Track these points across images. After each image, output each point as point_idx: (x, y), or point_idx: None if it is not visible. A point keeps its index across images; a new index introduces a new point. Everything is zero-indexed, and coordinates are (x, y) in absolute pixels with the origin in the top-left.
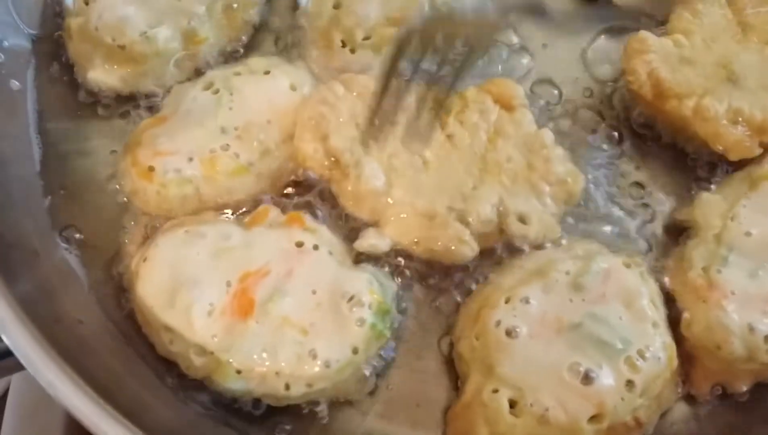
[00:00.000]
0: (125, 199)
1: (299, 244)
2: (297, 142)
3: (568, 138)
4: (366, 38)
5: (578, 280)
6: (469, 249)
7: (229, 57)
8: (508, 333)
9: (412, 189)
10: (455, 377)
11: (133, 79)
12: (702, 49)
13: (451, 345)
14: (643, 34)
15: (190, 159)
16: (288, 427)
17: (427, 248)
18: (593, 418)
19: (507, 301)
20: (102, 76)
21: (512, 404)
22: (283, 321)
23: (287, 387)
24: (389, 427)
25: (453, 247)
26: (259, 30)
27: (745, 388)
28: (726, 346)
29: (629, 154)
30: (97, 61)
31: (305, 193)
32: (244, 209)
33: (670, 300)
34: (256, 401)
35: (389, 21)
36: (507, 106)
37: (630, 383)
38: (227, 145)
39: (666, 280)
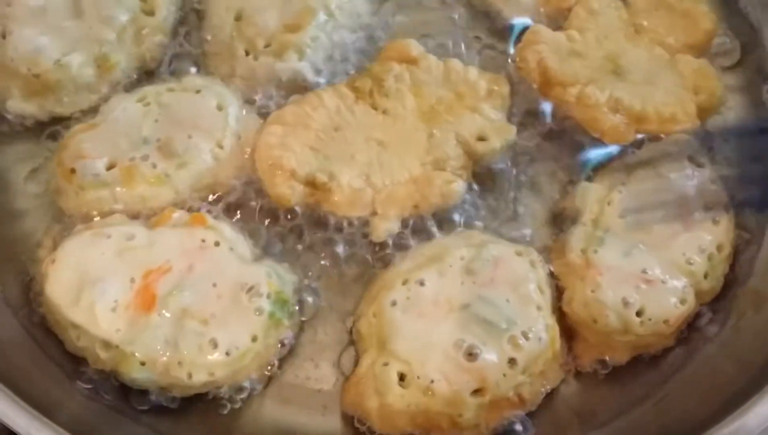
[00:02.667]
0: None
1: (200, 242)
2: (273, 191)
3: None
4: (267, 45)
5: (470, 266)
6: (458, 184)
7: (143, 78)
8: (401, 312)
9: (385, 169)
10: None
11: (51, 106)
12: (593, 45)
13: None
14: (538, 27)
15: (110, 164)
16: (196, 417)
17: (428, 206)
18: (476, 392)
19: (404, 283)
20: (20, 104)
21: (401, 377)
22: (184, 313)
23: (190, 376)
24: (293, 412)
25: (446, 191)
26: (170, 50)
27: (624, 360)
28: (601, 319)
29: (523, 145)
30: (15, 91)
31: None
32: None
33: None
34: (165, 392)
35: (287, 28)
36: (411, 61)
37: (512, 361)
38: (147, 155)
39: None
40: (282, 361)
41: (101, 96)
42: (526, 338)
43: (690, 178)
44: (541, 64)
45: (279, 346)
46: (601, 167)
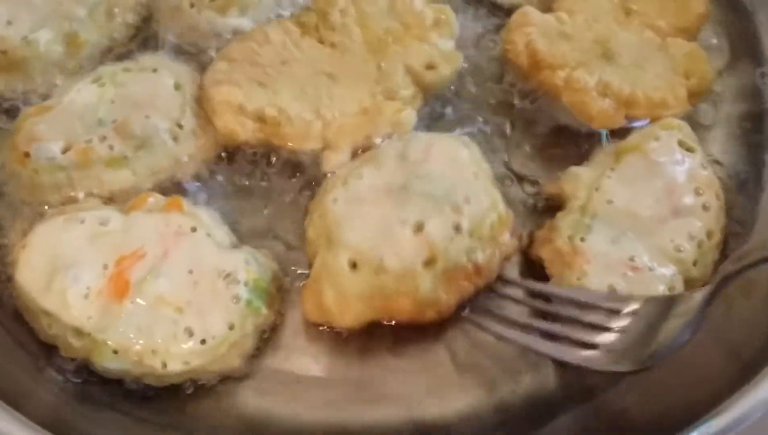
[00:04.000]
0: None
1: (176, 227)
2: (223, 126)
3: None
4: (212, 0)
5: (404, 152)
6: (409, 113)
7: (113, 57)
8: (344, 204)
9: (336, 102)
10: (341, 354)
11: (18, 83)
12: (582, 27)
13: None
14: (527, 9)
15: (66, 147)
16: (172, 407)
17: (378, 135)
18: (428, 263)
19: (343, 184)
20: None
21: (353, 265)
22: (158, 300)
23: (164, 365)
24: (271, 402)
25: (396, 120)
26: (141, 29)
27: None
28: None
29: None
30: None
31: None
32: None
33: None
34: (139, 382)
35: None
36: None
37: (457, 226)
38: (103, 136)
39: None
40: (261, 348)
41: (72, 75)
42: (467, 202)
43: (680, 163)
44: (529, 46)
45: (258, 334)
46: (589, 152)
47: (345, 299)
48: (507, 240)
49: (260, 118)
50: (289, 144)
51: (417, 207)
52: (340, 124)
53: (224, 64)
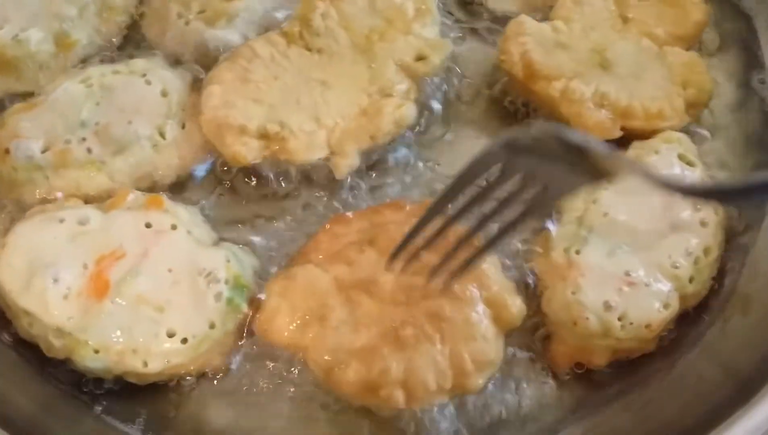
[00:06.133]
0: None
1: (156, 226)
2: (227, 152)
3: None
4: (201, 11)
5: None
6: (408, 107)
7: (105, 58)
8: None
9: (333, 108)
10: None
11: (7, 84)
12: (579, 36)
13: None
14: (522, 17)
15: (45, 147)
16: (150, 407)
17: (382, 134)
18: None
19: None
20: None
21: None
22: (138, 300)
23: (145, 364)
24: (252, 401)
25: (398, 117)
26: (132, 30)
27: (603, 364)
28: (581, 321)
29: None
30: None
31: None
32: None
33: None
34: (121, 380)
35: None
36: None
37: None
38: (83, 138)
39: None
40: (243, 346)
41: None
42: None
43: (679, 178)
44: (525, 56)
45: (239, 331)
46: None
47: None
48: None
49: (263, 136)
50: (297, 157)
51: None
52: (342, 129)
53: (217, 87)
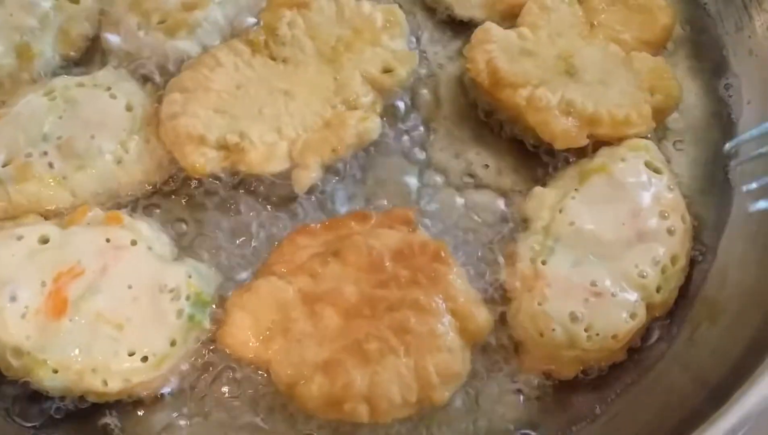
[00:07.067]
0: None
1: (115, 241)
2: (186, 162)
3: None
4: (161, 22)
5: None
6: (373, 121)
7: (70, 70)
8: None
9: (296, 119)
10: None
11: None
12: (545, 43)
13: None
14: (488, 25)
15: (6, 160)
16: (110, 423)
17: (345, 147)
18: None
19: None
20: None
21: None
22: (97, 318)
23: (105, 383)
24: (215, 419)
25: (362, 130)
26: (96, 41)
27: (572, 375)
28: (547, 332)
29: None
30: None
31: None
32: None
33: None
34: (81, 400)
35: (185, 6)
36: (302, 5)
37: None
38: (44, 152)
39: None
40: (205, 365)
41: (25, 87)
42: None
43: (646, 186)
44: (490, 64)
45: (201, 350)
46: (553, 172)
47: None
48: None
49: (223, 147)
50: (256, 169)
51: None
52: (304, 142)
53: (177, 95)
